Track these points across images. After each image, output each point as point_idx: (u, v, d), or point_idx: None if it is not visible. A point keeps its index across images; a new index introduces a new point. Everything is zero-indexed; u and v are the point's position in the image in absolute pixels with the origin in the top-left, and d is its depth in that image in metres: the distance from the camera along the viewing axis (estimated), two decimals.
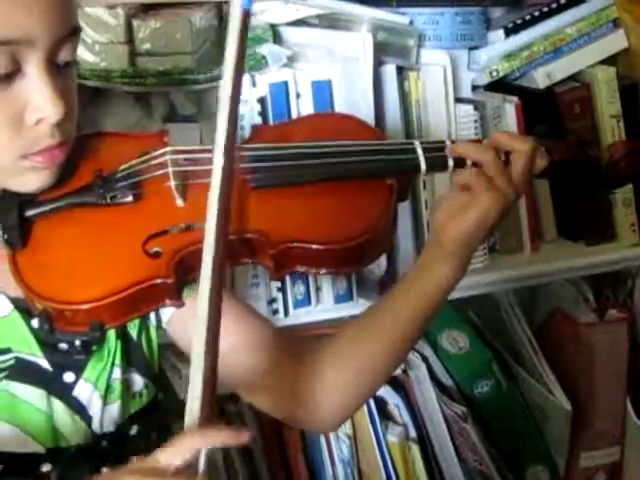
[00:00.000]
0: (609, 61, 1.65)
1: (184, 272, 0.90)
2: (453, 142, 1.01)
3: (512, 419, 1.67)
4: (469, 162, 1.00)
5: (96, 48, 1.34)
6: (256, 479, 1.58)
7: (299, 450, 1.57)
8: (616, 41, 1.65)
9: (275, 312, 1.47)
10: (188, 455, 0.77)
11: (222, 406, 1.53)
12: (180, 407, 1.58)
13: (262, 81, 1.41)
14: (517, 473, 1.69)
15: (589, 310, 1.75)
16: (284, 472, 1.60)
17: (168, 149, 0.96)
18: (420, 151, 0.99)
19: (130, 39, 1.35)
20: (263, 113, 1.40)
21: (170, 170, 0.95)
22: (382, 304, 1.07)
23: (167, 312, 1.03)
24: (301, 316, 1.49)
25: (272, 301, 1.46)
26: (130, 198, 0.94)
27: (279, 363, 1.06)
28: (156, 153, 0.96)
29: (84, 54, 1.33)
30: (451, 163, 1.00)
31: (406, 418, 1.60)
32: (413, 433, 1.60)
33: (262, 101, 1.40)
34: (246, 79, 1.39)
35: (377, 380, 1.09)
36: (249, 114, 1.40)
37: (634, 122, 1.64)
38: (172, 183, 0.94)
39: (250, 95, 1.40)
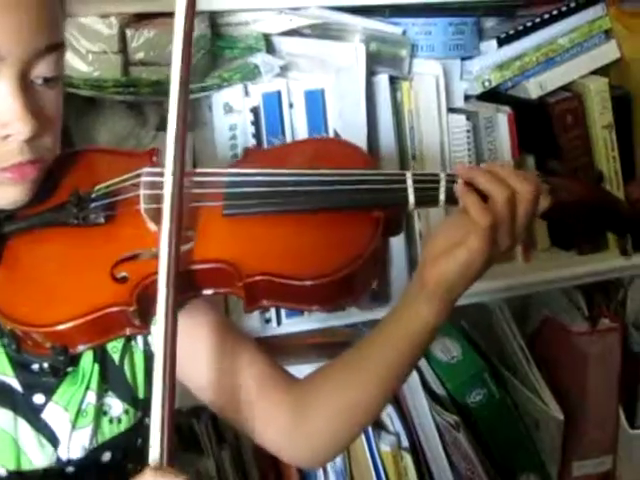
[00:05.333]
0: (601, 72, 1.65)
1: (148, 300, 0.86)
2: (449, 175, 0.93)
3: (504, 428, 1.68)
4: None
5: (89, 58, 1.34)
6: None
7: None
8: (608, 52, 1.65)
9: (268, 321, 1.47)
10: None
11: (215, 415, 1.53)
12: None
13: (255, 91, 1.41)
14: None
15: (581, 319, 1.75)
16: None
17: (144, 170, 0.93)
18: (410, 182, 0.92)
19: (123, 49, 1.35)
20: (256, 123, 1.41)
21: (141, 193, 0.92)
22: (364, 346, 1.02)
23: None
24: (294, 325, 1.49)
25: (264, 310, 1.46)
26: (102, 219, 0.92)
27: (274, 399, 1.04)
28: (131, 174, 0.94)
29: (77, 63, 1.33)
30: (442, 198, 0.93)
31: (398, 427, 1.60)
32: (405, 442, 1.60)
33: (255, 111, 1.41)
34: (239, 89, 1.40)
35: (364, 419, 1.05)
36: (242, 124, 1.40)
37: (626, 133, 1.65)
38: (142, 206, 0.92)
39: (243, 105, 1.40)
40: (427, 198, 0.93)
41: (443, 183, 0.93)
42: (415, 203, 0.93)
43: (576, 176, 0.98)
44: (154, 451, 0.79)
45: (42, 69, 0.85)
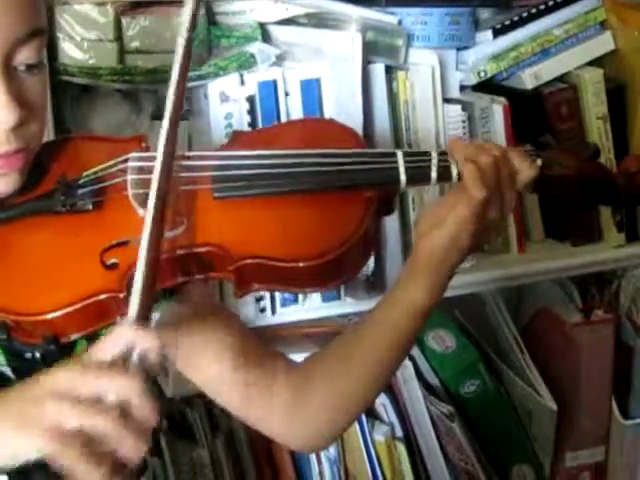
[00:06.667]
0: (596, 63, 1.66)
1: None
2: (442, 153, 0.93)
3: (498, 418, 1.68)
4: (454, 175, 0.93)
5: (85, 45, 1.33)
6: (242, 477, 1.58)
7: (286, 448, 1.57)
8: (603, 43, 1.65)
9: (262, 310, 1.47)
10: (121, 347, 0.73)
11: (208, 404, 1.53)
12: (167, 406, 1.59)
13: (251, 80, 1.41)
14: (503, 472, 1.69)
15: (575, 310, 1.75)
16: (270, 470, 1.61)
17: (132, 155, 0.93)
18: (401, 162, 0.92)
19: (119, 36, 1.35)
20: (252, 112, 1.40)
21: (128, 178, 0.91)
22: (359, 328, 1.02)
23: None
24: (288, 314, 1.49)
25: (259, 299, 1.46)
26: (90, 206, 0.91)
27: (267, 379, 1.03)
28: (119, 159, 0.93)
29: (72, 51, 1.33)
30: (434, 175, 0.92)
31: (393, 417, 1.60)
32: (399, 432, 1.60)
33: (251, 100, 1.41)
34: (235, 78, 1.40)
35: (360, 404, 1.05)
36: (238, 113, 1.40)
37: (620, 124, 1.65)
38: (130, 192, 0.91)
39: (239, 94, 1.40)
40: (419, 177, 0.93)
41: (435, 162, 0.92)
42: (407, 181, 0.92)
43: (571, 150, 0.97)
44: (133, 308, 0.76)
45: (24, 56, 0.85)
